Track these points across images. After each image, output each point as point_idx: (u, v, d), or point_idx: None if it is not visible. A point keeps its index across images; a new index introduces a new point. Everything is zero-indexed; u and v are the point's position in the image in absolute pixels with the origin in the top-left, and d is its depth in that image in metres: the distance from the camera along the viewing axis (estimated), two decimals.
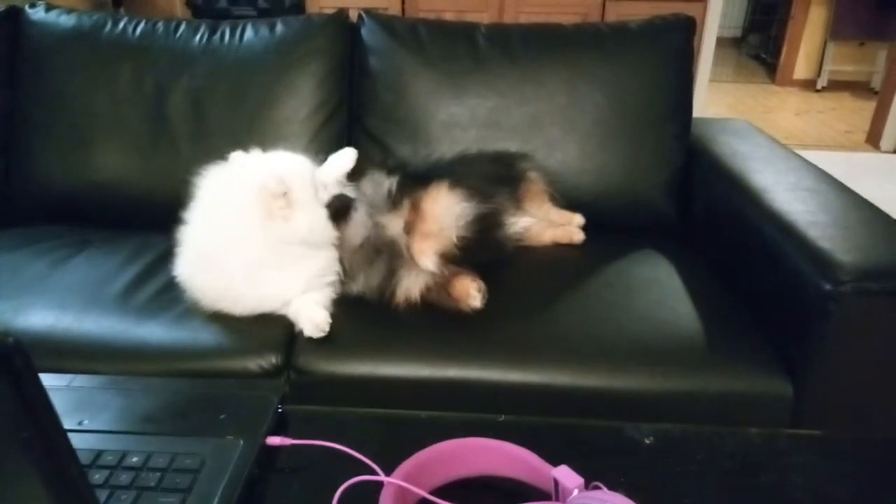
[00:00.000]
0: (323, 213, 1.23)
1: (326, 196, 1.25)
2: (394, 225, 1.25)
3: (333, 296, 1.26)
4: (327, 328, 1.18)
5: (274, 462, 0.66)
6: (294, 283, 1.22)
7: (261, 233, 1.17)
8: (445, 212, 1.26)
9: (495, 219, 1.35)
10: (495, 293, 1.24)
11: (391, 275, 1.24)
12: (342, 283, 1.27)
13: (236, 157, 1.24)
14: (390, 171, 1.34)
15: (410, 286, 1.23)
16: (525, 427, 0.72)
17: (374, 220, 1.25)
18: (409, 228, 1.25)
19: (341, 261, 1.26)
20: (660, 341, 1.20)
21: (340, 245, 1.26)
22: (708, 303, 1.29)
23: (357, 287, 1.27)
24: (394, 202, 1.26)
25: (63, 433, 0.37)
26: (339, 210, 1.25)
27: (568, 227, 1.53)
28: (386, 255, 1.24)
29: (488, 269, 1.27)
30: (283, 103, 1.61)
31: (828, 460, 0.68)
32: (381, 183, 1.30)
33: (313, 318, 1.18)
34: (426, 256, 1.20)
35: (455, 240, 1.25)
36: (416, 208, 1.26)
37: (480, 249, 1.27)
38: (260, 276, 1.20)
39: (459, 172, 1.36)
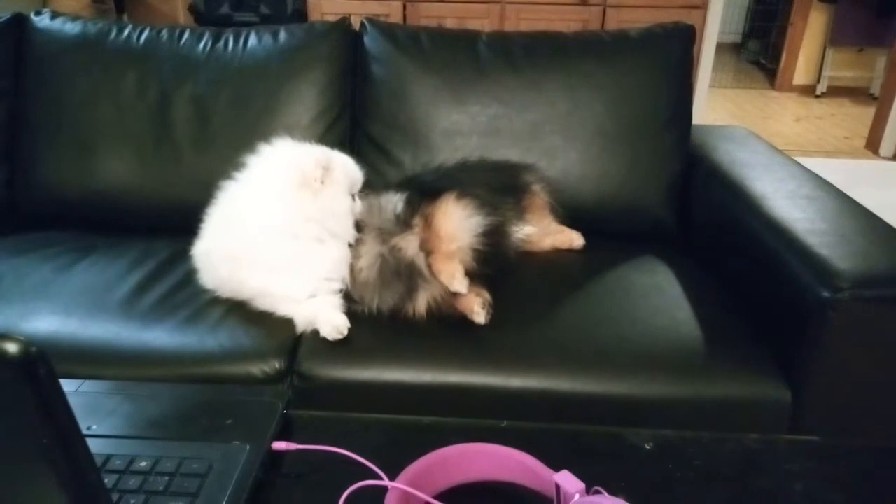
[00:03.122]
0: (349, 204, 1.28)
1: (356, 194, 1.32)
2: (410, 245, 1.24)
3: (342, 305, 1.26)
4: (345, 331, 1.19)
5: (279, 467, 0.67)
6: (304, 273, 1.24)
7: (288, 200, 1.22)
8: (459, 226, 1.26)
9: (502, 231, 1.36)
10: (497, 300, 1.25)
11: (410, 293, 1.22)
12: (351, 306, 1.27)
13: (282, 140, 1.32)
14: (396, 189, 1.34)
15: (419, 301, 1.23)
16: (527, 432, 0.73)
17: (387, 244, 1.25)
18: (426, 247, 1.24)
19: (351, 292, 1.27)
20: (659, 347, 1.21)
21: (350, 283, 1.27)
22: (707, 309, 1.30)
23: (368, 309, 1.25)
24: (405, 221, 1.26)
25: (82, 440, 0.38)
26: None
27: (567, 232, 1.54)
28: (405, 276, 1.22)
29: (491, 277, 1.28)
30: (286, 110, 1.62)
31: (826, 466, 0.69)
32: (387, 204, 1.30)
33: (332, 320, 1.20)
34: (457, 280, 1.20)
35: (470, 253, 1.26)
36: (429, 225, 1.25)
37: (490, 262, 1.27)
38: (275, 245, 1.23)
39: (464, 182, 1.36)
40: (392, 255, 1.24)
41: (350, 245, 1.29)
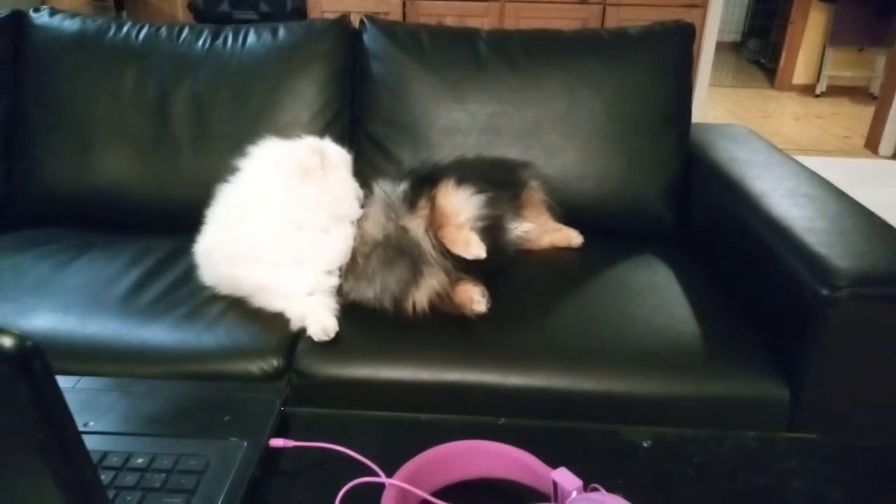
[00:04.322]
0: (352, 185, 1.32)
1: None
2: (416, 227, 1.25)
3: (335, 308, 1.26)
4: (333, 335, 1.19)
5: (277, 464, 0.67)
6: (306, 266, 1.25)
7: (292, 192, 1.25)
8: (463, 203, 1.27)
9: (500, 225, 1.36)
10: (495, 298, 1.24)
11: (414, 277, 1.22)
12: (356, 285, 1.27)
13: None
14: (403, 176, 1.36)
15: (421, 292, 1.22)
16: (524, 430, 0.73)
17: (395, 222, 1.26)
18: (432, 227, 1.24)
19: (357, 260, 1.27)
20: (658, 345, 1.21)
21: (358, 241, 1.28)
22: (706, 307, 1.30)
23: (373, 291, 1.24)
24: (411, 203, 1.27)
25: (78, 435, 0.38)
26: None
27: (566, 231, 1.54)
28: (409, 258, 1.22)
29: (489, 273, 1.28)
30: (286, 108, 1.62)
31: (824, 464, 0.69)
32: (397, 185, 1.32)
33: (322, 322, 1.20)
34: (473, 244, 1.20)
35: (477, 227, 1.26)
36: (434, 206, 1.26)
37: (488, 258, 1.27)
38: (278, 240, 1.25)
39: (462, 174, 1.36)
40: (397, 235, 1.24)
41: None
